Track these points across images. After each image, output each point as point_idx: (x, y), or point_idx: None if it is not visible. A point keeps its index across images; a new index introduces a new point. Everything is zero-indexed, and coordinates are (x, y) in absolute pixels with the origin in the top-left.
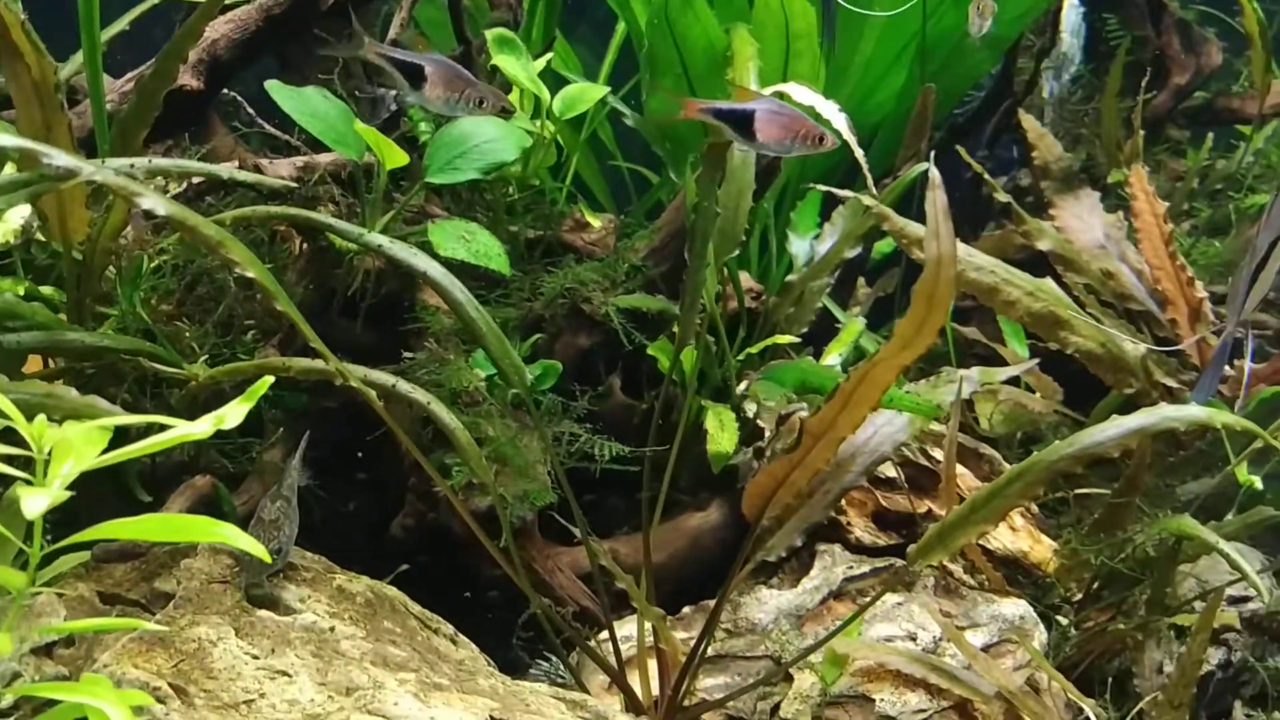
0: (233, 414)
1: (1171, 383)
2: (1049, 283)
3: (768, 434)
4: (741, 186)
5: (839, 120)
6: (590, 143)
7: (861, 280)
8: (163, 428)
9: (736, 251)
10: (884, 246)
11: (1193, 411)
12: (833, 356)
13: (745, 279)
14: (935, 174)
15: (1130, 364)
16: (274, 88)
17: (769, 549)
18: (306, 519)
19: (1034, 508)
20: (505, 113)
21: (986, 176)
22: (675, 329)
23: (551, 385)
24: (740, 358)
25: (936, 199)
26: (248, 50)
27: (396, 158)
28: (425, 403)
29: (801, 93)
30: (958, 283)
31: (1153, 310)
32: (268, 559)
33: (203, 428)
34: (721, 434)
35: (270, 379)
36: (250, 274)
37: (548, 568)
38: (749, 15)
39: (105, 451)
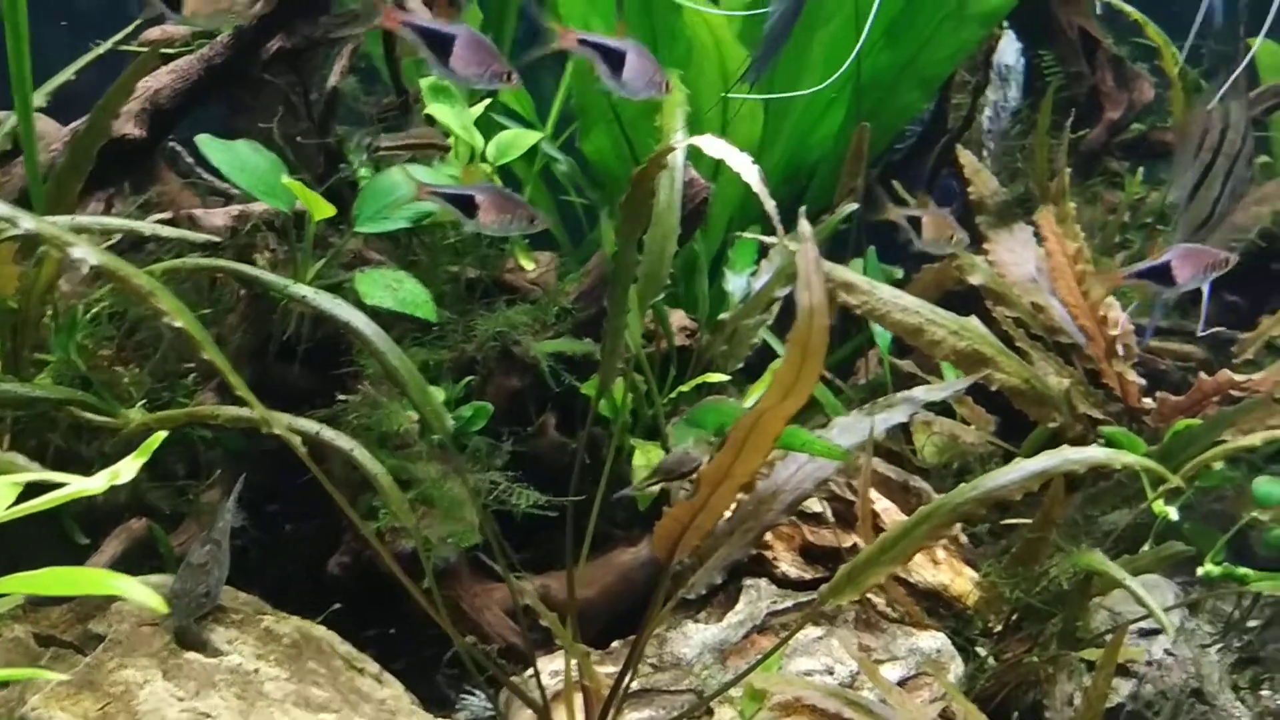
0: (126, 469)
1: (1097, 414)
2: (973, 321)
3: None
4: (666, 231)
5: (749, 172)
6: (544, 175)
7: None
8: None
9: (661, 295)
10: None
11: (1093, 453)
12: (755, 396)
13: (679, 316)
14: (806, 227)
15: (1054, 398)
16: (204, 141)
17: (690, 586)
18: (244, 559)
19: (962, 538)
20: (441, 149)
21: (919, 212)
22: None
23: (482, 427)
24: (672, 396)
25: (807, 251)
26: (189, 99)
27: (323, 209)
28: (349, 449)
29: (712, 145)
30: (885, 323)
31: (1082, 344)
32: (162, 609)
33: (97, 483)
34: (646, 471)
35: (162, 435)
36: (179, 324)
37: (475, 605)
38: (690, 58)
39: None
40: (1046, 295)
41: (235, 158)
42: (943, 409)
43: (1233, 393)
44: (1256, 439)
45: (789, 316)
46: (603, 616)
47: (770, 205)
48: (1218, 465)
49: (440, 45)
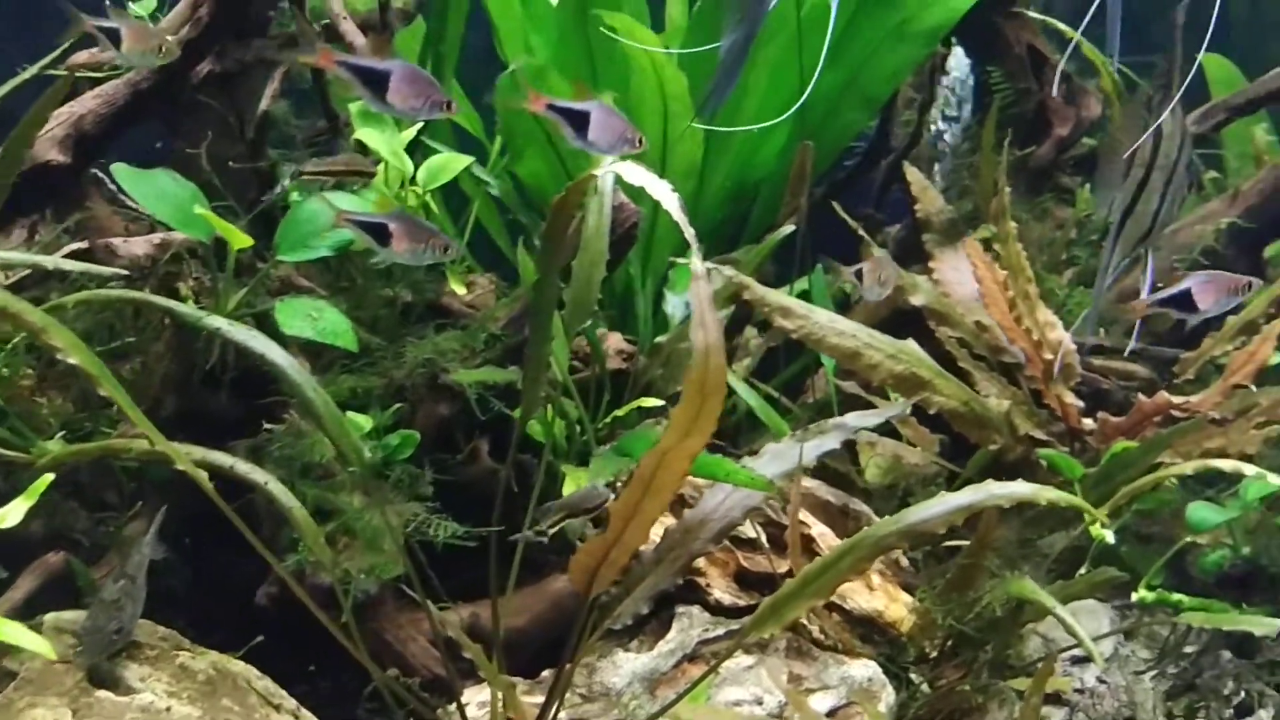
0: (13, 512)
1: (1040, 434)
2: (911, 345)
3: None
4: (594, 257)
5: (670, 200)
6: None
7: (753, 331)
8: None
9: (590, 320)
10: None
11: (1018, 489)
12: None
13: (616, 340)
14: (699, 266)
15: (994, 420)
16: (119, 171)
17: (616, 617)
18: (168, 591)
19: (904, 560)
20: (365, 175)
21: (862, 232)
22: None
23: (410, 455)
24: (607, 421)
25: (700, 290)
26: (116, 124)
27: (240, 239)
28: (262, 482)
29: (632, 172)
30: (822, 348)
31: (1028, 364)
32: (50, 655)
33: None
34: None
35: (50, 477)
36: (74, 360)
37: (400, 637)
38: (629, 81)
39: None
40: (986, 313)
41: (152, 187)
42: (889, 430)
43: (1174, 413)
44: (1189, 467)
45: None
46: (534, 645)
47: (690, 233)
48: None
49: (376, 81)
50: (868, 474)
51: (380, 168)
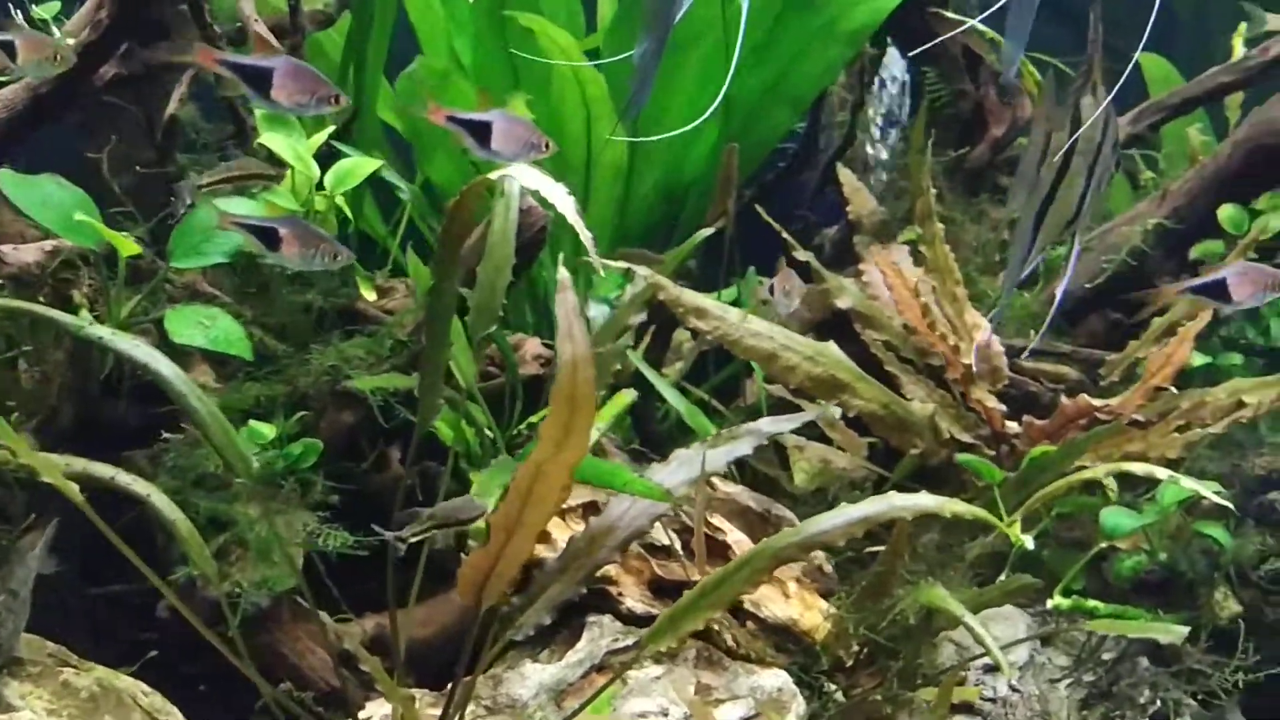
0: None
1: (967, 438)
2: (830, 347)
3: None
4: (499, 262)
5: (565, 203)
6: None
7: (685, 334)
8: None
9: (493, 326)
10: None
11: (921, 500)
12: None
13: (534, 345)
14: (565, 275)
15: (916, 424)
16: (3, 177)
17: (517, 628)
18: (63, 605)
19: (827, 567)
20: (265, 179)
21: (787, 235)
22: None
23: (313, 463)
24: (521, 427)
25: (566, 300)
26: (15, 129)
27: (129, 247)
28: (145, 495)
29: (526, 175)
30: (737, 350)
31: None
32: None
33: None
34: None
35: None
36: None
37: (297, 650)
38: (549, 83)
39: None
40: (916, 315)
41: (37, 193)
42: (818, 433)
43: (1100, 416)
44: (1100, 471)
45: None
46: (442, 656)
47: (586, 236)
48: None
49: (260, 79)
50: (796, 479)
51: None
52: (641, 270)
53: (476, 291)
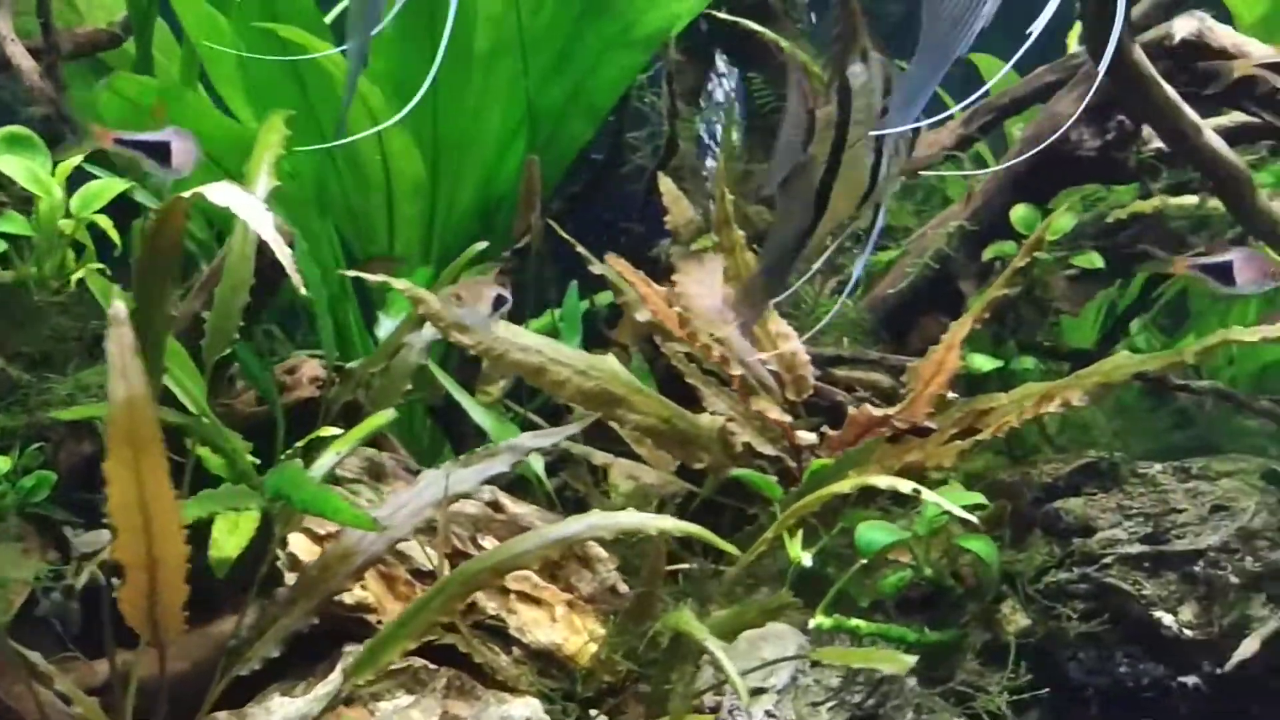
0: None
1: (770, 450)
2: (606, 360)
3: None
4: (237, 283)
5: (262, 220)
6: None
7: None
8: None
9: (229, 349)
10: None
11: (623, 519)
12: (330, 456)
13: (311, 367)
14: (119, 309)
15: (700, 437)
16: None
17: (244, 661)
18: None
19: (623, 587)
20: None
21: (581, 249)
22: None
23: (47, 496)
24: (289, 451)
25: (121, 337)
26: None
27: None
28: None
29: (221, 193)
30: (503, 365)
31: (763, 377)
32: None
33: None
34: (228, 538)
35: None
36: None
37: (14, 693)
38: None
39: None
40: (724, 326)
41: None
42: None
43: (896, 424)
44: (846, 485)
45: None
46: (198, 692)
47: (285, 254)
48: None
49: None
50: (614, 496)
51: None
52: (399, 284)
53: (213, 314)
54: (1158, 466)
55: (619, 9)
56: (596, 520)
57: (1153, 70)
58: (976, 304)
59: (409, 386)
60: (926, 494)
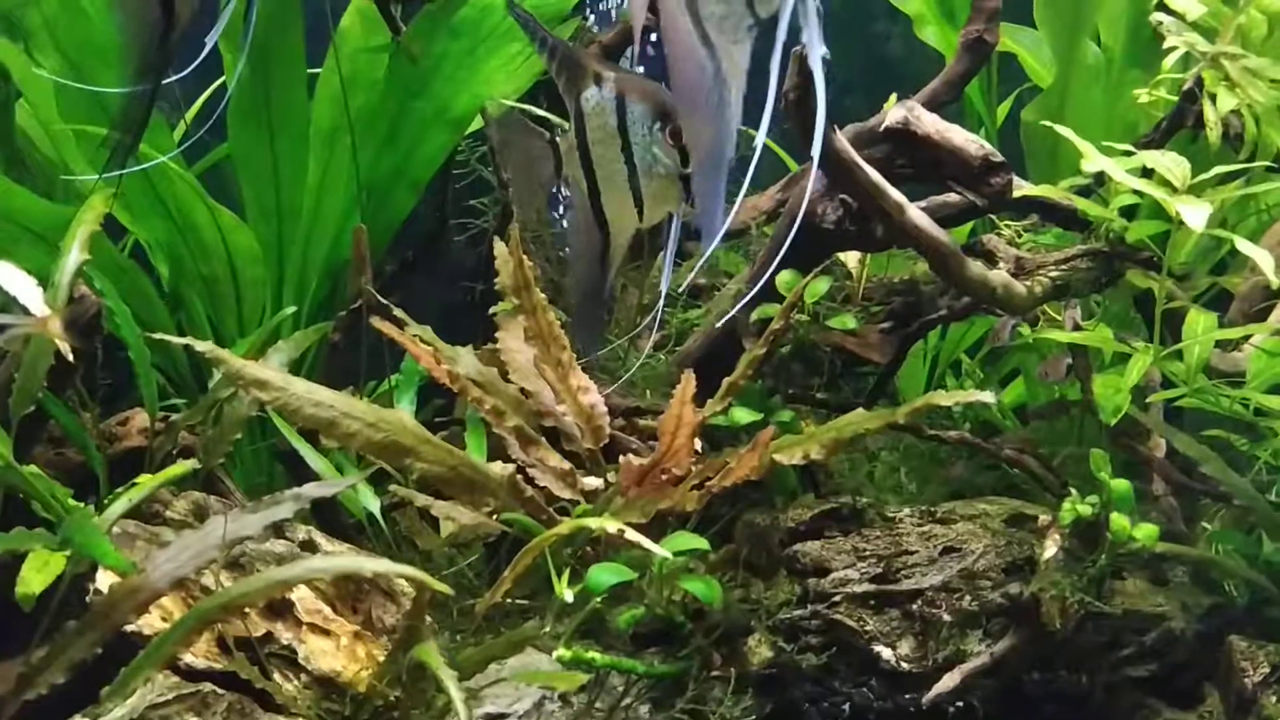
0: None
1: (569, 494)
2: (395, 413)
3: None
4: (42, 347)
5: (30, 296)
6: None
7: None
8: None
9: (32, 406)
10: None
11: (340, 562)
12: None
13: (142, 418)
14: None
15: (489, 483)
16: None
17: (33, 687)
18: None
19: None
20: None
21: (399, 311)
22: None
23: None
24: (105, 501)
25: None
26: None
27: None
28: None
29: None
30: (299, 420)
31: (569, 428)
32: None
33: None
34: (35, 575)
35: None
36: None
37: None
38: None
39: None
40: (538, 380)
41: None
42: None
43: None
44: (565, 528)
45: None
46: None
47: (53, 327)
48: None
49: None
50: (442, 536)
51: None
52: (201, 346)
53: (20, 374)
54: (906, 510)
55: (434, 90)
56: (316, 563)
57: (855, 156)
58: (742, 362)
59: (239, 435)
60: (633, 534)
